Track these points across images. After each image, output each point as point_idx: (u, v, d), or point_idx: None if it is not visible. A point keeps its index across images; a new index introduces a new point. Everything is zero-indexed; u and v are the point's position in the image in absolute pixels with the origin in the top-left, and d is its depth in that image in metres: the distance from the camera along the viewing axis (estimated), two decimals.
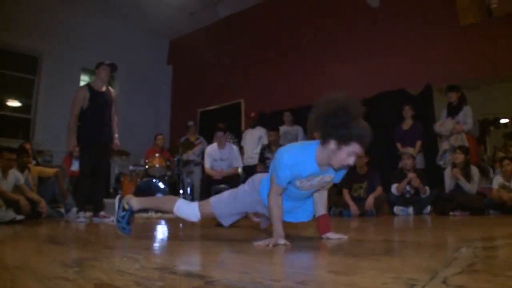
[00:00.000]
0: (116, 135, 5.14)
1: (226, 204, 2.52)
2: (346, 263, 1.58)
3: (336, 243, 2.22)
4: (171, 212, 2.54)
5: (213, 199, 2.56)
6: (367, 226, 3.67)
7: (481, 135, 6.51)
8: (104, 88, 5.01)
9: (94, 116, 4.83)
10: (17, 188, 4.86)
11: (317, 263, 1.62)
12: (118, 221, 2.52)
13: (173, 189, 7.43)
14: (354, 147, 2.09)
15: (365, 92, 7.30)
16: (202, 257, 1.87)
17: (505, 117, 9.80)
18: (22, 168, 5.20)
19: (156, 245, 2.36)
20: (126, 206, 2.53)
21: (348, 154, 2.10)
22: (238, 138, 8.33)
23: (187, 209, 2.53)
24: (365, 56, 7.66)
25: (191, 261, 1.75)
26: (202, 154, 7.72)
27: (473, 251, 1.72)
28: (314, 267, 1.51)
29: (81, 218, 4.61)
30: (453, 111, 5.81)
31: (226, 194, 2.58)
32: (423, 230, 2.92)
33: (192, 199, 7.13)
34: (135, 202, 2.58)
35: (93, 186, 4.91)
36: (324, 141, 2.12)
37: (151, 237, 2.83)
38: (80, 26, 9.45)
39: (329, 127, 2.07)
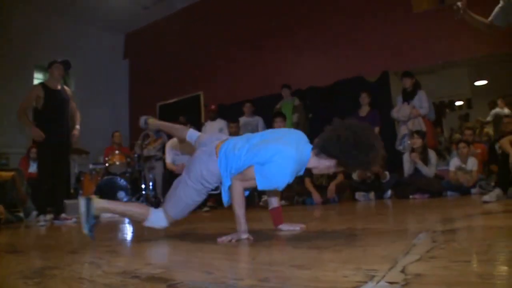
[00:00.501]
0: (77, 126, 5.01)
1: (180, 208, 2.42)
2: (309, 256, 1.59)
3: (299, 234, 2.24)
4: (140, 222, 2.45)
5: (167, 207, 2.42)
6: (330, 215, 3.72)
7: (437, 117, 6.68)
8: (59, 87, 4.88)
9: (51, 115, 4.70)
10: None
11: (280, 258, 1.62)
12: (88, 228, 2.41)
13: (134, 186, 7.31)
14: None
15: (323, 81, 7.41)
16: (165, 258, 1.84)
17: (459, 100, 10.16)
18: None
19: (119, 247, 2.32)
20: (97, 214, 2.42)
21: (334, 168, 2.20)
22: (198, 131, 8.23)
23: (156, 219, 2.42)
24: (322, 45, 7.75)
25: (154, 263, 1.72)
26: (163, 149, 7.63)
27: (431, 236, 1.77)
28: (277, 263, 1.51)
29: (42, 222, 4.49)
30: (408, 96, 5.95)
31: (174, 198, 2.43)
32: (384, 216, 2.98)
33: (155, 195, 7.05)
34: (101, 206, 2.46)
35: (53, 188, 4.79)
36: (324, 155, 2.13)
37: (114, 239, 2.77)
38: (31, 23, 9.14)
39: (338, 151, 2.06)
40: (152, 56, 10.76)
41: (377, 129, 6.10)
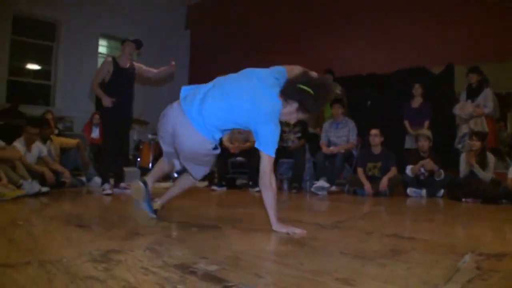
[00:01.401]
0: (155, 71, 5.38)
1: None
2: (353, 268, 1.66)
3: (349, 236, 2.30)
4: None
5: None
6: (379, 212, 3.74)
7: (502, 111, 6.37)
8: (128, 64, 5.05)
9: (115, 91, 4.89)
10: (40, 159, 5.03)
11: (326, 267, 1.68)
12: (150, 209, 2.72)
13: None
14: (302, 116, 2.46)
15: (384, 68, 7.26)
16: (219, 251, 1.95)
17: None
18: (45, 140, 5.36)
19: (175, 232, 2.47)
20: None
21: (296, 117, 2.47)
22: None
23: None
24: (386, 31, 7.51)
25: (209, 257, 1.79)
26: None
27: (476, 260, 1.79)
28: (323, 272, 1.57)
29: (107, 190, 4.70)
30: (473, 93, 5.74)
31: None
32: (433, 224, 2.98)
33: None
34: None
35: (114, 159, 5.07)
36: (290, 100, 2.38)
37: (166, 218, 2.91)
38: None
39: (301, 95, 2.33)
40: (213, 29, 10.79)
41: (427, 123, 5.99)
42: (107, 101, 4.81)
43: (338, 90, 6.94)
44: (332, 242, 2.20)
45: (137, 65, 5.21)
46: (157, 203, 2.81)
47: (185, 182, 2.82)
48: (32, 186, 4.12)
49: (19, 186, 4.02)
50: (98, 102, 4.94)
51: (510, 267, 1.78)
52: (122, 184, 5.09)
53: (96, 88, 4.92)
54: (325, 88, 2.46)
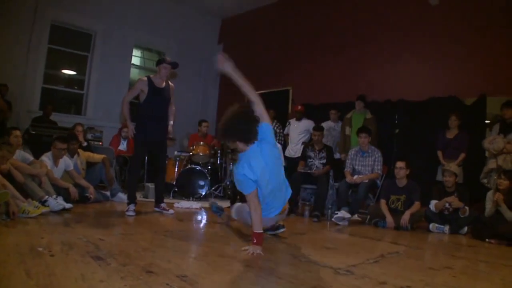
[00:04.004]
0: (171, 122, 5.24)
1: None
2: None
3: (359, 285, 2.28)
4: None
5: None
6: (397, 253, 3.67)
7: None
8: (163, 84, 5.09)
9: (151, 112, 4.94)
10: (67, 173, 5.17)
11: None
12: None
13: (215, 176, 7.65)
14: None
15: (415, 95, 7.18)
16: None
17: None
18: (72, 154, 5.50)
19: (188, 272, 2.49)
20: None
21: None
22: (283, 125, 8.37)
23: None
24: (420, 57, 7.46)
25: None
26: None
27: None
28: None
29: (130, 212, 4.78)
30: (506, 129, 5.60)
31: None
32: (451, 273, 2.91)
33: (233, 185, 7.27)
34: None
35: (154, 179, 5.37)
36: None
37: (185, 253, 2.94)
38: (133, 5, 9.70)
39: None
40: (246, 44, 10.92)
41: (462, 156, 5.87)
42: (130, 132, 4.95)
43: (368, 115, 6.91)
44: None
45: (172, 87, 5.24)
46: None
47: None
48: (57, 203, 4.23)
49: (43, 202, 4.13)
50: (136, 127, 4.99)
51: None
52: (162, 205, 5.20)
53: (126, 109, 4.98)
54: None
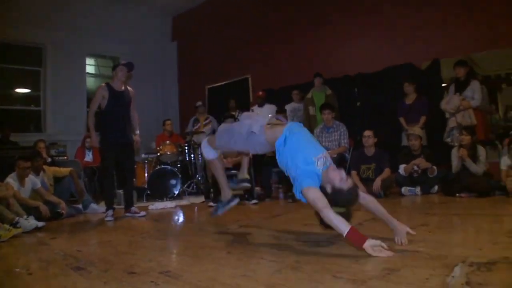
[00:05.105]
0: (137, 132, 5.28)
1: (228, 135, 3.09)
2: None
3: (339, 257, 2.32)
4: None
5: (220, 129, 3.29)
6: (373, 219, 3.75)
7: (492, 93, 6.40)
8: (123, 87, 5.11)
9: (114, 116, 4.95)
10: (35, 192, 5.04)
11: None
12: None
13: (185, 173, 7.60)
14: None
15: (371, 67, 7.29)
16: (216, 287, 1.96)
17: None
18: (38, 171, 5.37)
19: (173, 265, 2.49)
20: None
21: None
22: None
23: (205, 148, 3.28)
24: (371, 30, 7.58)
25: None
26: (213, 132, 7.87)
27: (466, 273, 1.82)
28: None
29: (109, 217, 4.78)
30: (460, 86, 5.78)
31: (232, 128, 3.17)
32: (427, 229, 3.00)
33: (206, 179, 7.26)
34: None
35: (122, 185, 5.27)
36: None
37: (165, 250, 2.92)
38: (80, 12, 9.42)
39: None
40: (200, 38, 10.84)
41: (423, 119, 6.02)
42: (94, 141, 4.95)
43: (328, 91, 6.98)
44: (325, 264, 2.22)
45: (131, 91, 5.24)
46: None
47: None
48: (29, 223, 4.13)
49: (15, 224, 4.03)
50: (102, 134, 4.96)
51: (499, 279, 1.80)
52: (133, 209, 5.14)
53: (91, 120, 4.98)
54: None
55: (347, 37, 7.90)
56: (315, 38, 8.40)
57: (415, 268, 2.00)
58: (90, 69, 10.24)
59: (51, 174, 5.71)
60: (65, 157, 7.48)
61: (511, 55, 6.45)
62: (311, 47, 8.44)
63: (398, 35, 7.17)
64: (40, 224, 4.27)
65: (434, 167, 5.22)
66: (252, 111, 8.02)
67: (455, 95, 5.71)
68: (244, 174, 3.60)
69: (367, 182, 5.42)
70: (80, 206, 5.72)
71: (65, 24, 9.19)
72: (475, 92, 5.61)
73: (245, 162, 3.63)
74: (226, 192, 3.42)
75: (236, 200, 3.44)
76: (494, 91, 6.55)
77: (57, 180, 5.80)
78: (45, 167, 5.64)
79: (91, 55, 10.23)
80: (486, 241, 2.53)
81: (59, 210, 5.03)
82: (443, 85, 6.53)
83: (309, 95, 7.18)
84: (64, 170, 5.88)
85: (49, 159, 6.42)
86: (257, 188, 6.59)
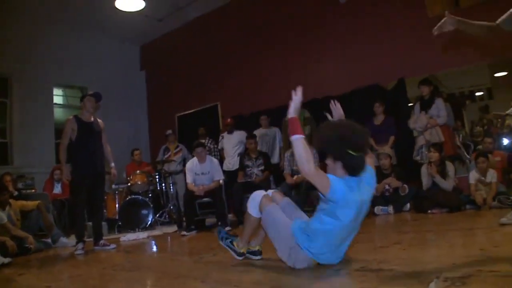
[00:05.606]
0: (113, 164, 5.27)
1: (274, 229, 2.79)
2: None
3: (316, 279, 2.30)
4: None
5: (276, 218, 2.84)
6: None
7: (458, 110, 6.61)
8: (92, 119, 5.07)
9: (85, 148, 4.90)
10: (1, 227, 4.86)
11: None
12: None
13: (157, 202, 7.49)
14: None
15: (339, 89, 7.40)
16: None
17: (479, 90, 9.95)
18: (3, 206, 5.19)
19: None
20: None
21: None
22: (216, 142, 8.34)
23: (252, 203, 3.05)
24: (337, 54, 7.74)
25: None
26: (184, 161, 7.83)
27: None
28: None
29: (79, 250, 4.67)
30: (425, 105, 5.93)
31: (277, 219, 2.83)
32: (400, 247, 3.02)
33: (178, 208, 7.17)
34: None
35: (91, 217, 5.14)
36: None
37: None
38: (46, 42, 9.31)
39: (341, 154, 2.45)
40: (168, 67, 10.89)
41: (392, 138, 6.12)
42: (66, 176, 4.85)
43: (306, 114, 7.07)
44: (304, 285, 2.20)
45: (101, 123, 5.22)
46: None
47: None
48: None
49: None
50: (73, 166, 4.89)
51: None
52: (102, 241, 5.00)
53: (62, 155, 4.91)
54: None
55: (314, 61, 8.05)
56: (282, 64, 8.52)
57: (391, 287, 2.00)
58: (58, 99, 10.05)
59: (18, 208, 5.52)
60: (33, 190, 7.26)
61: (473, 72, 6.75)
62: (279, 73, 8.53)
63: (365, 56, 7.33)
64: (7, 260, 4.10)
65: (405, 185, 5.30)
66: (222, 138, 8.04)
67: (421, 114, 5.84)
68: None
69: None
70: (49, 240, 5.54)
71: (31, 55, 9.03)
72: (440, 110, 5.76)
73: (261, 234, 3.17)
74: (243, 242, 3.17)
75: (240, 258, 3.16)
76: (459, 108, 6.76)
77: (25, 214, 5.61)
78: (11, 201, 5.45)
79: (59, 85, 10.06)
80: (459, 255, 2.55)
81: (26, 245, 4.85)
82: (409, 104, 6.68)
83: (286, 118, 7.20)
84: (32, 204, 5.70)
85: (15, 193, 6.22)
86: (230, 215, 6.54)
